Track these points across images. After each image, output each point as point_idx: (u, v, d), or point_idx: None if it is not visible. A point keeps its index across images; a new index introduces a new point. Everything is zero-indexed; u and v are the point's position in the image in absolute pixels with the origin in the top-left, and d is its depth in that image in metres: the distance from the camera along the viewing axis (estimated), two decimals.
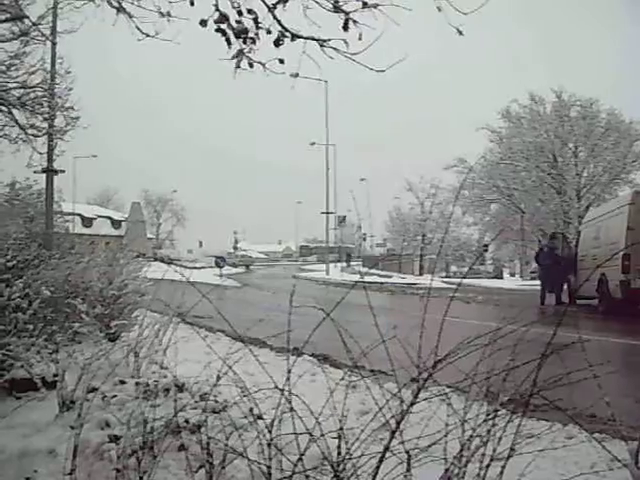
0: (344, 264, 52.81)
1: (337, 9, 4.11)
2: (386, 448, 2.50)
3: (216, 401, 3.90)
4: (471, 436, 2.51)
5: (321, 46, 4.19)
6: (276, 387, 2.64)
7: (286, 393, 2.63)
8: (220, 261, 41.76)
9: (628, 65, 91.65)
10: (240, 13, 4.09)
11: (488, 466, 2.50)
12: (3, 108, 11.89)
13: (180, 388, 4.48)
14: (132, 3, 4.69)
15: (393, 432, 2.52)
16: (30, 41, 11.49)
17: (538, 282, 21.71)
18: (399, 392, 2.61)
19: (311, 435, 2.55)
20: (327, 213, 48.89)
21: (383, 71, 4.29)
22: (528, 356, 2.56)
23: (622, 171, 41.76)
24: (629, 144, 41.12)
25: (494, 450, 2.49)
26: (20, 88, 11.85)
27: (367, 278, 33.24)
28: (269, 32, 4.16)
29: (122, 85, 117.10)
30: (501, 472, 2.49)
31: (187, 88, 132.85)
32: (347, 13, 4.08)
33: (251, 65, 4.29)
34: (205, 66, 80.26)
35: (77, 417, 3.40)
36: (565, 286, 19.67)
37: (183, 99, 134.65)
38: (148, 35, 4.82)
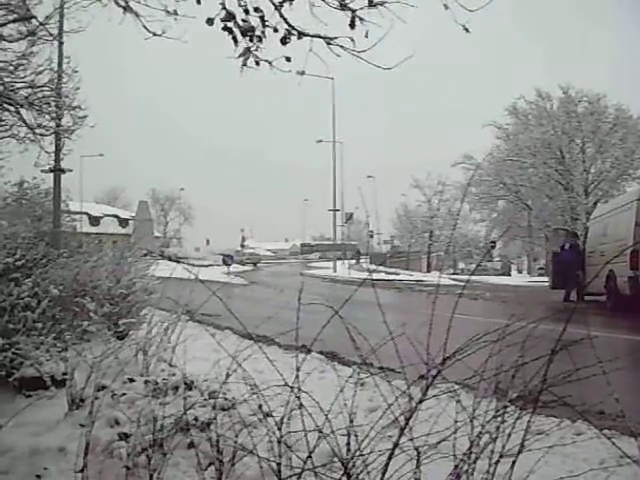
0: (353, 261, 52.74)
1: (343, 7, 4.11)
2: (395, 445, 2.51)
3: (225, 399, 3.91)
4: (480, 433, 2.51)
5: (328, 44, 4.20)
6: (286, 384, 2.65)
7: (295, 390, 2.64)
8: (227, 259, 41.87)
9: (632, 64, 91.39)
10: (247, 11, 4.09)
11: (497, 463, 2.50)
12: (11, 108, 11.92)
13: (189, 386, 4.50)
14: (139, 2, 4.70)
15: (402, 429, 2.52)
16: (37, 41, 11.52)
17: (547, 279, 21.62)
18: (408, 389, 2.61)
19: (321, 432, 2.56)
20: (334, 210, 48.94)
21: (390, 68, 4.29)
22: (537, 353, 2.55)
23: (630, 167, 41.64)
24: (637, 140, 40.98)
25: (503, 447, 2.50)
26: (28, 88, 11.87)
27: (374, 275, 33.24)
28: (276, 30, 4.17)
29: (128, 84, 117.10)
30: (511, 468, 2.49)
31: (193, 87, 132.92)
32: (354, 11, 4.09)
33: (257, 63, 4.30)
34: (211, 65, 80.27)
35: (88, 415, 3.42)
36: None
37: (189, 98, 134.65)
38: (155, 34, 4.83)
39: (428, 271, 57.53)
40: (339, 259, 48.66)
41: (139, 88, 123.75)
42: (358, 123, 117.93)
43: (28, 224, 16.22)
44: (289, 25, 4.17)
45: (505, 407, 2.55)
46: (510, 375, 2.58)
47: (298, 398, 2.65)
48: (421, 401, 2.56)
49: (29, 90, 11.88)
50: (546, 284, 23.50)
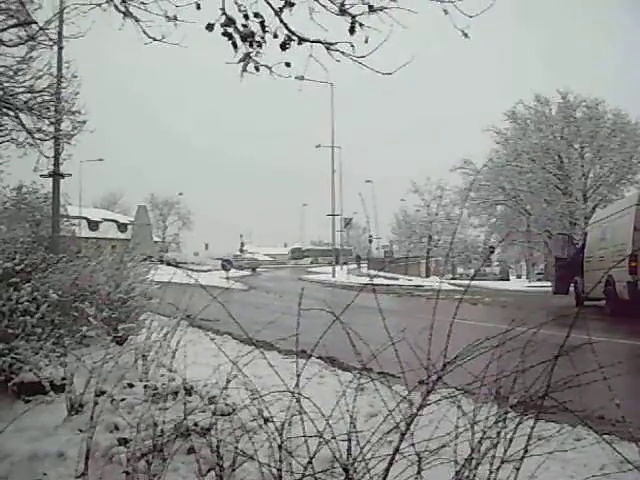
0: (352, 266, 52.68)
1: (343, 12, 4.12)
2: (396, 450, 2.50)
3: (225, 404, 3.90)
4: (481, 438, 2.51)
5: (327, 49, 4.21)
6: (287, 390, 2.65)
7: (296, 396, 2.64)
8: (226, 264, 41.83)
9: (632, 66, 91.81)
10: (247, 17, 4.11)
11: (498, 468, 2.49)
12: (10, 112, 11.92)
13: (189, 391, 4.49)
14: (139, 7, 4.71)
15: (403, 434, 2.52)
16: (37, 46, 11.52)
17: (546, 284, 21.55)
18: (408, 394, 2.61)
19: (321, 437, 2.55)
20: (333, 215, 48.96)
21: (390, 74, 4.30)
22: (537, 358, 2.55)
23: (628, 172, 41.76)
24: (635, 145, 41.13)
25: (505, 452, 2.49)
26: (27, 92, 11.88)
27: (373, 281, 33.23)
28: (276, 36, 4.18)
29: (128, 89, 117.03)
30: (516, 474, 2.48)
31: (193, 92, 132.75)
32: (353, 16, 4.09)
33: (257, 69, 4.31)
34: (211, 70, 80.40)
35: (90, 420, 3.41)
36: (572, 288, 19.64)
37: (189, 103, 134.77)
38: (155, 39, 4.84)
39: (427, 276, 57.49)
40: (336, 264, 48.61)
41: (139, 93, 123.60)
42: (357, 128, 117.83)
43: (27, 229, 16.25)
44: (289, 30, 4.18)
45: (506, 413, 2.55)
46: (511, 381, 2.58)
47: (298, 403, 2.65)
48: (422, 406, 2.56)
49: (28, 95, 11.88)
50: (545, 289, 23.50)
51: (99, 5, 5.00)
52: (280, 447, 2.62)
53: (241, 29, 4.13)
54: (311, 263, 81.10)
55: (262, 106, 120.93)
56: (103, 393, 4.33)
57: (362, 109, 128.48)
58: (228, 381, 2.97)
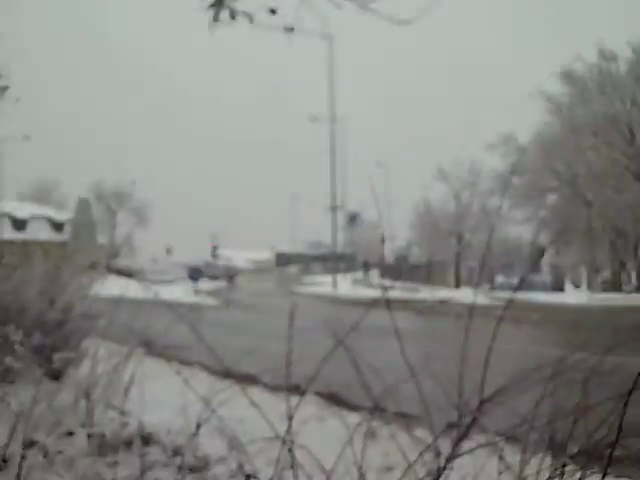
0: (359, 275, 52.75)
1: None
2: None
3: (195, 456, 3.91)
4: None
5: None
6: (276, 436, 2.65)
7: (287, 444, 2.64)
8: (195, 273, 41.89)
9: None
10: None
11: None
12: None
13: (147, 440, 4.49)
14: None
15: None
16: None
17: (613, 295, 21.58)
18: (435, 442, 2.61)
19: None
20: (334, 208, 48.85)
21: (408, 23, 4.28)
22: (604, 393, 2.55)
23: None
24: None
25: None
26: None
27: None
28: None
29: (58, 44, 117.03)
30: None
31: (147, 40, 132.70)
32: None
33: (233, 17, 4.30)
34: (177, 18, 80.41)
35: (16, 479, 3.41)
36: None
37: (144, 53, 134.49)
38: None
39: (457, 286, 57.52)
40: (337, 272, 48.65)
41: (72, 43, 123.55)
42: (363, 95, 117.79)
43: None
44: None
45: (563, 465, 2.55)
46: (569, 423, 2.58)
47: (291, 453, 2.65)
48: (452, 457, 2.56)
49: None
50: (613, 303, 23.52)
51: None
52: None
53: None
54: (299, 272, 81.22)
55: (243, 67, 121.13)
56: (34, 444, 4.32)
57: (370, 70, 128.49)
58: (198, 426, 2.97)
